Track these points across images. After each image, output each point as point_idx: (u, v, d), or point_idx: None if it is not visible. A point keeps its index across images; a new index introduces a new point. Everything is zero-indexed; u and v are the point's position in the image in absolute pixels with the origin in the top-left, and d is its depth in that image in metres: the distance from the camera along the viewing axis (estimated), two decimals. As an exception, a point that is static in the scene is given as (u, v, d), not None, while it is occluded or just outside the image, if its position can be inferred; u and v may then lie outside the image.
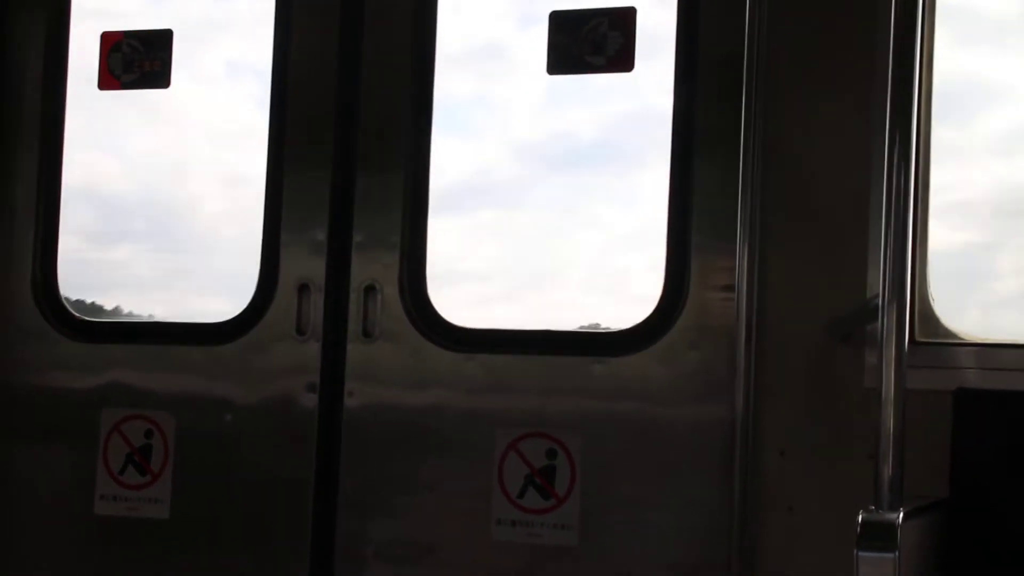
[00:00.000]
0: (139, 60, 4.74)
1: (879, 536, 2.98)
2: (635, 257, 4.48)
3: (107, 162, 5.16)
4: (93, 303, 4.95)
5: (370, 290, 4.37)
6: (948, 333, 3.83)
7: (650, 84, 4.26)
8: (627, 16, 4.19)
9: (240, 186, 4.89)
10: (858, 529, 2.98)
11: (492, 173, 4.74)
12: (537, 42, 4.29)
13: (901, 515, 3.01)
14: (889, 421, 3.10)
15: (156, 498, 4.56)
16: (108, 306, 4.96)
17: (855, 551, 2.97)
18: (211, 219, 5.05)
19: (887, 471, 3.08)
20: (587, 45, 4.21)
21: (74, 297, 4.85)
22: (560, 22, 4.25)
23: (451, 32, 4.45)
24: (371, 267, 4.38)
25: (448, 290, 4.46)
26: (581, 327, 4.37)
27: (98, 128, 4.98)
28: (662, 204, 4.13)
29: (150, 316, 4.94)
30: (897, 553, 2.96)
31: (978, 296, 4.08)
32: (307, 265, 4.44)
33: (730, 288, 3.96)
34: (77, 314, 4.80)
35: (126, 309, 4.99)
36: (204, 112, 5.02)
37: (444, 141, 4.47)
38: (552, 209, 4.61)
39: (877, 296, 3.24)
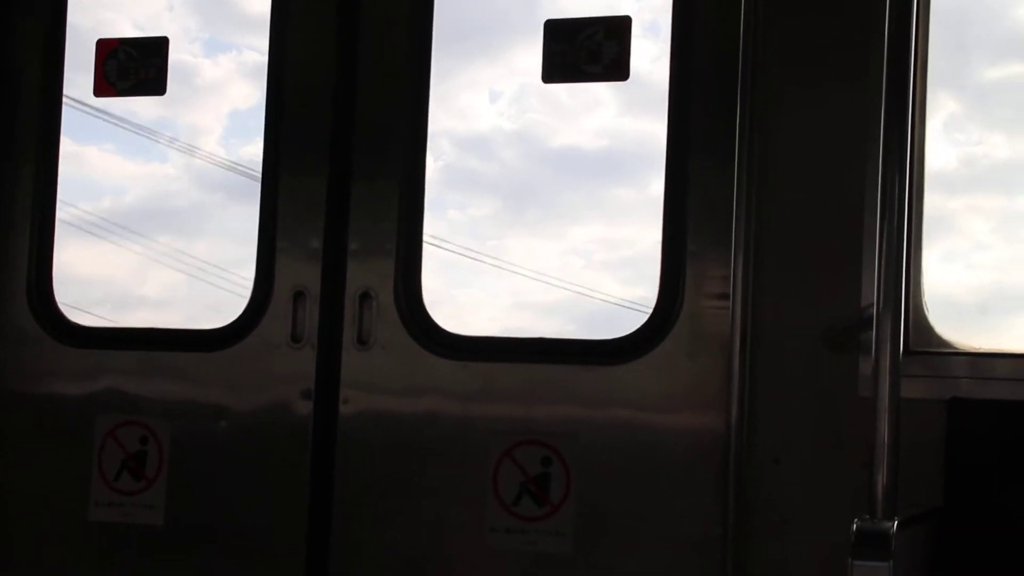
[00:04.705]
0: (134, 67, 4.74)
1: (874, 545, 2.98)
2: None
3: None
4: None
5: (365, 297, 4.37)
6: (942, 342, 3.84)
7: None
8: (622, 25, 4.20)
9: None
10: (853, 538, 2.99)
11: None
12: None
13: (896, 524, 3.02)
14: (883, 430, 3.11)
15: (151, 504, 4.56)
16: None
17: (850, 560, 2.98)
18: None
19: (881, 480, 3.09)
20: (583, 54, 4.22)
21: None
22: (555, 31, 4.25)
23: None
24: (366, 274, 4.38)
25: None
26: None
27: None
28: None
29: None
30: (892, 562, 2.96)
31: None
32: (302, 272, 4.44)
33: (725, 296, 3.96)
34: (72, 320, 4.80)
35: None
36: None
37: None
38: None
39: (871, 305, 3.26)
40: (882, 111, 3.23)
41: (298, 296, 4.44)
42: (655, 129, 4.58)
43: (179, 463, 4.56)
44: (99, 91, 4.81)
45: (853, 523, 3.02)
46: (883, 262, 3.16)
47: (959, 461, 3.64)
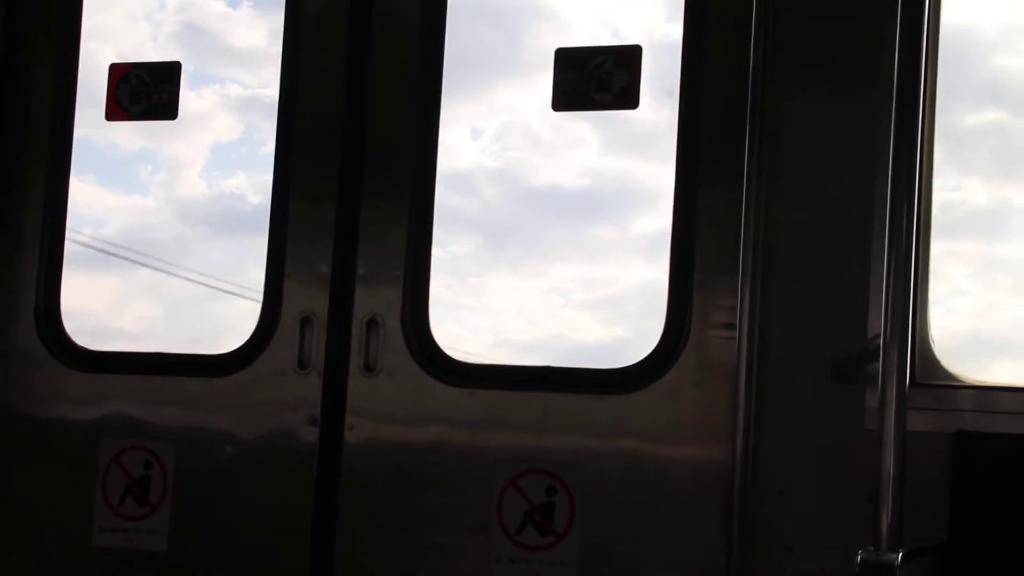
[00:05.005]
0: (146, 92, 4.77)
1: (878, 577, 2.98)
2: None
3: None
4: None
5: (372, 324, 4.38)
6: (948, 375, 3.83)
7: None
8: (632, 54, 4.22)
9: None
10: (857, 570, 2.99)
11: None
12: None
13: (900, 556, 3.01)
14: (889, 462, 3.11)
15: (154, 530, 4.55)
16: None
17: (854, 592, 2.97)
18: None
19: (886, 512, 3.08)
20: (592, 82, 4.23)
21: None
22: (566, 59, 4.27)
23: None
24: (374, 300, 4.38)
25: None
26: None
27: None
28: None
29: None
30: (896, 594, 2.96)
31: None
32: (310, 298, 4.45)
33: (732, 327, 3.96)
34: (79, 344, 4.80)
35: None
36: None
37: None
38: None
39: (878, 337, 3.25)
40: (891, 145, 3.24)
41: (305, 322, 4.44)
42: (637, 168, 4.62)
43: (183, 489, 4.55)
44: (111, 115, 4.83)
45: (858, 555, 3.02)
46: (890, 294, 3.16)
47: (964, 494, 3.62)
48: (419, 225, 4.39)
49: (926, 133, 3.81)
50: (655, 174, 4.74)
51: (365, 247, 4.42)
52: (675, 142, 4.13)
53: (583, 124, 4.72)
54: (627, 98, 4.22)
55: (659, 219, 4.81)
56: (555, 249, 4.86)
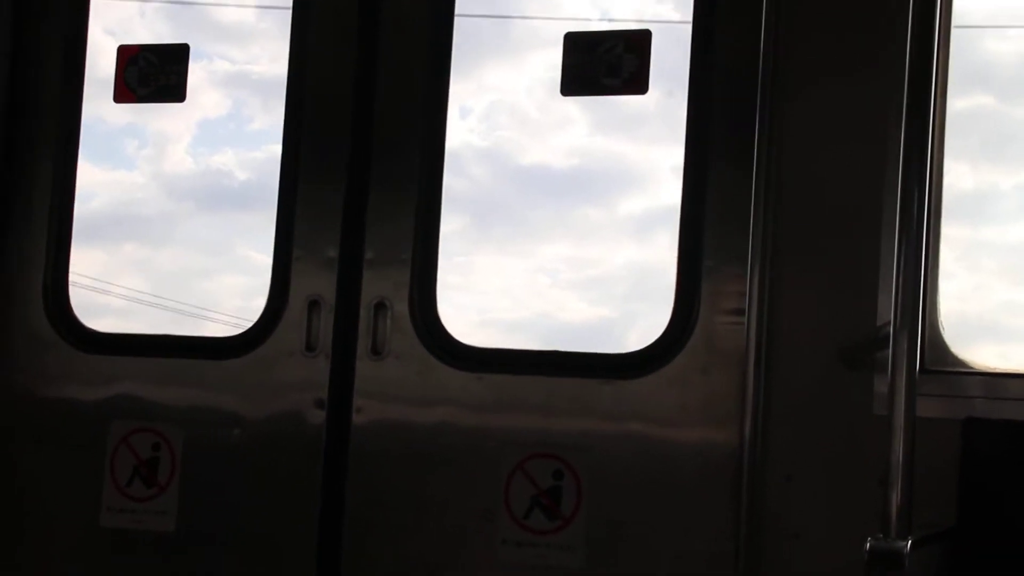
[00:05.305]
0: (155, 74, 4.76)
1: (887, 563, 2.98)
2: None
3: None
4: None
5: (380, 307, 4.37)
6: (957, 361, 3.83)
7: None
8: (642, 39, 4.20)
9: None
10: (866, 556, 2.98)
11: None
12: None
13: (909, 543, 3.01)
14: (898, 448, 3.10)
15: (163, 510, 4.56)
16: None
17: (862, 578, 2.97)
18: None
19: (896, 498, 3.08)
20: (602, 67, 4.22)
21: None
22: (575, 44, 4.26)
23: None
24: (381, 284, 4.38)
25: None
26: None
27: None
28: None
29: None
30: (904, 581, 2.96)
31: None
32: (318, 281, 4.45)
33: (740, 312, 3.95)
34: (87, 326, 4.81)
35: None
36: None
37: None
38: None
39: (888, 323, 3.25)
40: (902, 129, 3.22)
41: (313, 305, 4.44)
42: (626, 149, 4.60)
43: (191, 470, 4.56)
44: (119, 97, 4.82)
45: (866, 541, 3.01)
46: (900, 280, 3.15)
47: (973, 481, 3.62)
48: (427, 209, 4.39)
49: (937, 117, 3.79)
50: (644, 155, 4.74)
51: (373, 231, 4.42)
52: (684, 126, 4.13)
53: (572, 105, 4.72)
54: (636, 83, 4.20)
55: (646, 200, 4.82)
56: (542, 229, 4.86)
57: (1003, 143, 4.04)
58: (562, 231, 4.81)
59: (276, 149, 4.48)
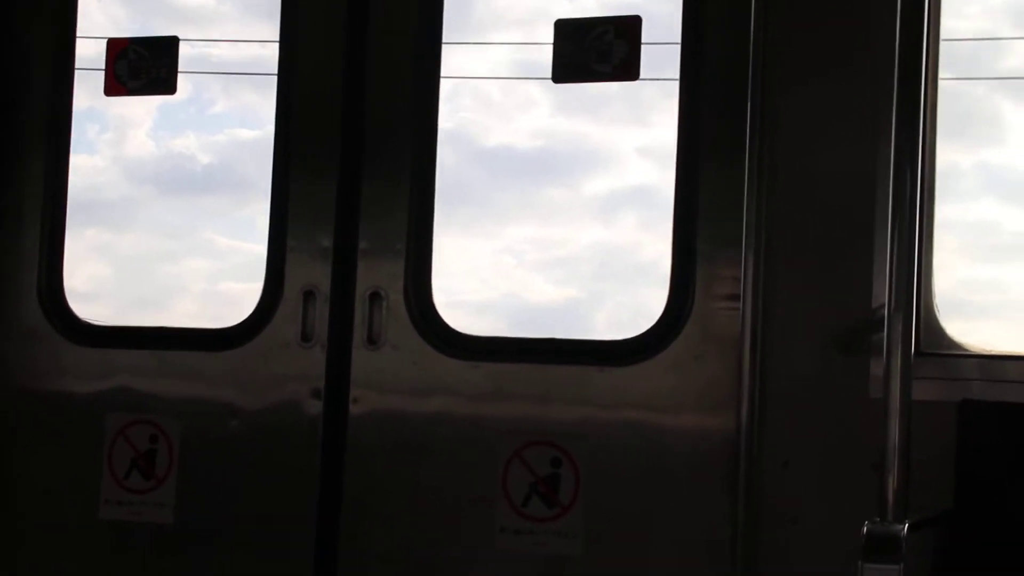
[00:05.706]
0: (145, 67, 4.75)
1: (884, 547, 2.98)
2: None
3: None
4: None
5: (375, 297, 4.37)
6: (953, 344, 3.82)
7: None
8: (632, 25, 4.19)
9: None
10: (863, 540, 2.98)
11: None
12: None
13: (906, 527, 3.01)
14: (894, 432, 3.10)
15: (161, 502, 4.56)
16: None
17: (860, 563, 2.97)
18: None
19: (892, 482, 3.08)
20: (592, 54, 4.21)
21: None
22: (565, 30, 4.25)
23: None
24: (376, 274, 4.38)
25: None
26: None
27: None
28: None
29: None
30: (902, 565, 2.95)
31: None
32: (312, 272, 4.44)
33: (735, 298, 3.95)
34: (82, 318, 4.80)
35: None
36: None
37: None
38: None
39: (882, 307, 3.24)
40: (893, 110, 3.22)
41: (308, 295, 4.43)
42: (589, 130, 4.62)
43: (189, 462, 4.56)
44: (110, 91, 4.81)
45: (863, 526, 3.01)
46: (894, 263, 3.15)
47: (970, 464, 3.62)
48: (420, 198, 4.38)
49: (929, 100, 3.79)
50: (608, 136, 4.76)
51: (367, 221, 4.41)
52: (675, 112, 4.12)
53: (534, 86, 4.74)
54: (627, 69, 4.19)
55: (611, 181, 4.83)
56: (508, 210, 4.88)
57: (962, 122, 4.05)
58: (527, 212, 4.83)
59: (239, 133, 4.47)
